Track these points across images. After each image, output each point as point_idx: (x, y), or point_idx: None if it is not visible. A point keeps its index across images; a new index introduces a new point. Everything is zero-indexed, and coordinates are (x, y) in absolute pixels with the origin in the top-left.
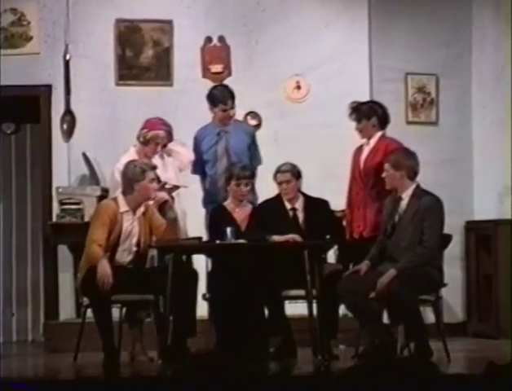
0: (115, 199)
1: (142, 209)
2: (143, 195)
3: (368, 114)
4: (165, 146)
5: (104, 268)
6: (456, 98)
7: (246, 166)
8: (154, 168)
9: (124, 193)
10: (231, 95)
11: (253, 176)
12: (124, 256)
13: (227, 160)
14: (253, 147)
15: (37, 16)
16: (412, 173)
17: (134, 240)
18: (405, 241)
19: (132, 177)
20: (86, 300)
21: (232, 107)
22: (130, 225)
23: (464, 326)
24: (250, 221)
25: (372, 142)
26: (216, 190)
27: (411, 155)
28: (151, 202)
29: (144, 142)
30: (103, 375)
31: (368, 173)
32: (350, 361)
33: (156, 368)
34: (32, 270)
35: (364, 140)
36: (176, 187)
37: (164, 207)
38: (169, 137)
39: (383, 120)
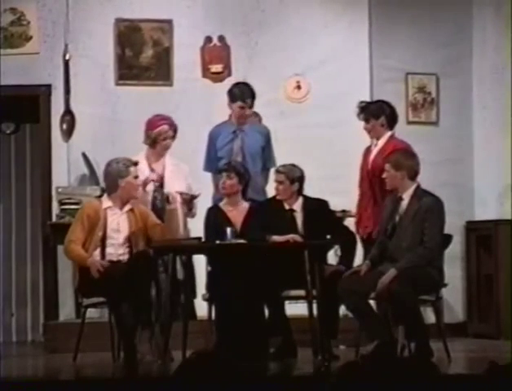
0: (99, 199)
1: (128, 205)
2: (128, 192)
3: (377, 113)
4: (173, 137)
5: (93, 262)
6: (456, 99)
7: (230, 162)
8: (136, 164)
9: (108, 193)
10: (252, 94)
11: (232, 170)
12: (113, 249)
13: (242, 159)
14: (267, 148)
15: (36, 16)
16: (413, 173)
17: (123, 236)
18: (406, 241)
19: (116, 174)
20: (85, 301)
21: (251, 106)
22: (116, 219)
23: (464, 326)
24: (246, 221)
25: (381, 142)
26: None
27: (411, 155)
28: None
29: (151, 142)
30: (123, 375)
31: (375, 174)
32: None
33: (156, 368)
34: (31, 270)
35: (373, 141)
36: (193, 197)
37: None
38: (173, 128)
39: (392, 120)
